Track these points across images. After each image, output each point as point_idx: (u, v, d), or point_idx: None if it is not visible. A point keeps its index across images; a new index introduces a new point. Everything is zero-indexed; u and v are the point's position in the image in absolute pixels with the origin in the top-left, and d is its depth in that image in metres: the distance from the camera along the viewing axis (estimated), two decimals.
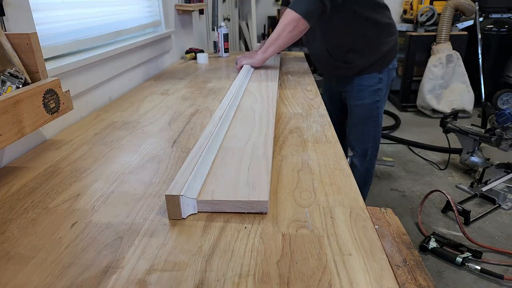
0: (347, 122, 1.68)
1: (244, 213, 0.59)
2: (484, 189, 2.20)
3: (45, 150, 0.86)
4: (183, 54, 2.12)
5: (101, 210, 0.61)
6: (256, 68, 1.57)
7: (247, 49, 3.97)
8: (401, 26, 3.89)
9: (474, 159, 2.46)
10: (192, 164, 0.66)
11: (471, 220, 1.98)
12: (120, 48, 1.31)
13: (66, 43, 1.10)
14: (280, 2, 2.99)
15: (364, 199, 1.70)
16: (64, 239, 0.53)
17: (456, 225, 1.95)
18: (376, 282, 0.45)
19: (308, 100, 1.20)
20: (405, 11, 4.07)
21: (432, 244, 1.77)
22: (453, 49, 3.58)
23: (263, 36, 4.49)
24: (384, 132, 3.22)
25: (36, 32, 0.78)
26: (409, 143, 3.00)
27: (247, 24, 4.04)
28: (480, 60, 3.54)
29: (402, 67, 3.84)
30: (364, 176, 1.71)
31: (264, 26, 4.54)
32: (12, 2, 0.81)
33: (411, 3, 3.85)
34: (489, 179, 2.25)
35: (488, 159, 2.49)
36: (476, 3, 3.53)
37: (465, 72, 3.60)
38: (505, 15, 3.72)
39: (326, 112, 1.08)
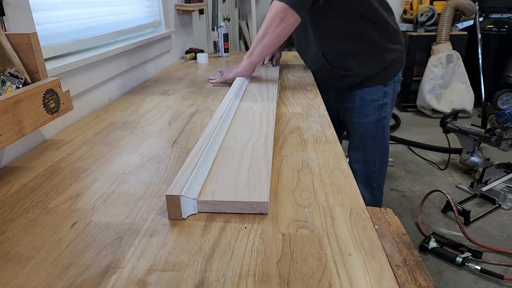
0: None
1: (244, 213, 0.59)
2: (484, 189, 2.20)
3: (45, 150, 0.86)
4: (183, 54, 2.12)
5: (101, 210, 0.61)
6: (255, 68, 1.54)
7: (247, 49, 3.97)
8: (401, 26, 3.89)
9: (474, 159, 2.46)
10: (192, 164, 0.66)
11: (471, 220, 1.98)
12: (120, 48, 1.31)
13: (66, 43, 1.10)
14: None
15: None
16: (64, 239, 0.53)
17: (456, 225, 1.95)
18: (376, 282, 0.45)
19: (308, 100, 1.20)
20: (405, 11, 4.07)
21: (432, 244, 1.77)
22: (453, 49, 3.58)
23: None
24: None
25: (36, 32, 0.78)
26: (409, 143, 3.00)
27: (247, 24, 4.04)
28: (480, 60, 3.54)
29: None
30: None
31: None
32: (12, 2, 0.81)
33: (411, 3, 3.85)
34: (489, 179, 2.25)
35: (488, 159, 2.49)
36: (476, 3, 3.53)
37: (465, 72, 3.60)
38: (505, 15, 3.72)
39: (326, 112, 1.08)
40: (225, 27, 2.04)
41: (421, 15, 3.68)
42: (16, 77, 0.74)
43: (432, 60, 3.60)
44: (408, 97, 3.88)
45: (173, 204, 0.57)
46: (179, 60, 2.05)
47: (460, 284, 1.60)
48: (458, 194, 2.31)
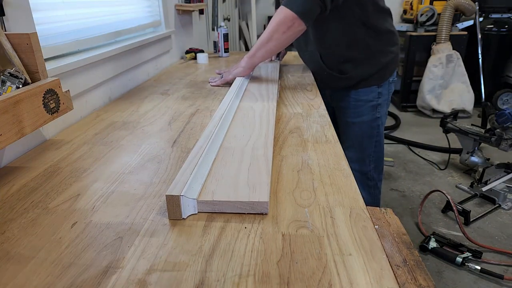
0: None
1: (244, 213, 0.59)
2: (484, 189, 2.20)
3: (45, 150, 0.86)
4: (183, 54, 2.12)
5: (101, 210, 0.61)
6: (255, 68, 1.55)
7: (247, 49, 3.97)
8: (401, 26, 3.90)
9: (474, 159, 2.46)
10: (192, 164, 0.66)
11: (471, 220, 1.98)
12: (120, 48, 1.31)
13: (66, 43, 1.10)
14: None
15: None
16: (64, 239, 0.53)
17: (456, 225, 1.95)
18: (376, 282, 0.45)
19: (308, 100, 1.20)
20: (405, 11, 4.07)
21: (432, 244, 1.77)
22: (453, 49, 3.58)
23: None
24: (384, 132, 3.22)
25: (36, 32, 0.78)
26: (409, 143, 3.00)
27: (247, 24, 4.04)
28: (480, 60, 3.54)
29: (402, 67, 3.84)
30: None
31: (264, 26, 4.54)
32: (12, 2, 0.81)
33: (411, 3, 3.85)
34: (489, 179, 2.25)
35: (488, 159, 2.49)
36: (476, 3, 3.53)
37: (465, 72, 3.61)
38: (505, 15, 3.72)
39: (326, 112, 1.08)
40: (225, 27, 2.04)
41: (421, 15, 3.68)
42: (16, 77, 0.74)
43: (432, 60, 3.60)
44: (408, 97, 3.88)
45: (173, 204, 0.57)
46: (179, 60, 2.05)
47: (460, 284, 1.60)
48: (458, 194, 2.31)
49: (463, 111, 3.59)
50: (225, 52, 2.10)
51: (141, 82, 1.53)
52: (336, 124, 1.52)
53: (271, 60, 1.59)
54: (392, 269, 0.47)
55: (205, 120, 1.04)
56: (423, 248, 1.79)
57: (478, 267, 1.63)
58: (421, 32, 3.73)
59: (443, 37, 3.57)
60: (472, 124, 2.52)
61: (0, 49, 0.73)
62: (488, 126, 2.37)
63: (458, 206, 1.98)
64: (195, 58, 2.02)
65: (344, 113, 1.45)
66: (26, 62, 0.78)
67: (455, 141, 2.62)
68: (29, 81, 0.78)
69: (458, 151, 2.64)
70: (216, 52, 2.18)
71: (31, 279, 0.46)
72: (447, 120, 2.56)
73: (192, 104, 1.19)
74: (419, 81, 3.70)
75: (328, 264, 0.47)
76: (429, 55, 3.65)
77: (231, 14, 3.58)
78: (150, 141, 0.89)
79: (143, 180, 0.70)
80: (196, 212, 0.59)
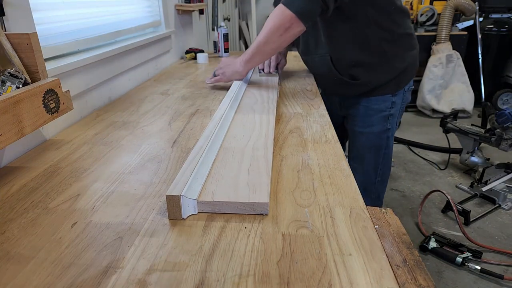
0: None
1: (244, 213, 0.59)
2: (484, 189, 2.20)
3: (45, 150, 0.86)
4: (183, 54, 2.12)
5: (101, 210, 0.61)
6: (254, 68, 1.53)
7: (247, 49, 3.97)
8: None
9: (474, 159, 2.46)
10: (192, 165, 0.66)
11: (471, 220, 1.98)
12: (120, 48, 1.31)
13: (66, 43, 1.10)
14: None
15: None
16: (64, 239, 0.53)
17: (456, 225, 1.95)
18: (376, 282, 0.45)
19: (308, 100, 1.20)
20: None
21: (432, 244, 1.78)
22: (453, 49, 3.58)
23: None
24: None
25: (36, 32, 0.78)
26: (409, 143, 3.00)
27: (247, 24, 4.04)
28: (480, 60, 3.54)
29: None
30: None
31: None
32: (12, 2, 0.81)
33: (411, 3, 3.85)
34: (489, 179, 2.25)
35: (488, 159, 2.49)
36: (476, 3, 3.53)
37: (465, 72, 3.61)
38: (505, 15, 3.72)
39: (326, 112, 1.08)
40: (225, 27, 2.04)
41: (421, 15, 3.68)
42: (16, 77, 0.74)
43: (432, 60, 3.60)
44: None
45: (173, 204, 0.57)
46: (179, 60, 2.05)
47: (460, 284, 1.60)
48: (458, 194, 2.32)
49: (463, 111, 3.59)
50: (225, 52, 2.10)
51: (141, 82, 1.53)
52: (346, 133, 1.44)
53: (270, 73, 1.50)
54: (392, 269, 0.47)
55: (205, 120, 1.04)
56: (423, 248, 1.79)
57: (478, 267, 1.63)
58: (421, 32, 3.73)
59: (443, 37, 3.58)
60: (472, 124, 2.52)
61: (0, 49, 0.73)
62: (488, 126, 2.37)
63: (458, 206, 1.98)
64: (195, 58, 2.02)
65: (353, 121, 1.34)
66: (26, 62, 0.78)
67: (455, 141, 2.62)
68: (29, 81, 0.78)
69: (458, 151, 2.65)
70: (216, 52, 2.18)
71: (31, 279, 0.46)
72: (447, 120, 2.56)
73: (192, 104, 1.19)
74: (419, 81, 3.70)
75: (328, 264, 0.47)
76: (429, 55, 3.65)
77: (231, 14, 3.58)
78: (150, 141, 0.89)
79: (143, 180, 0.70)
80: (196, 212, 0.59)
